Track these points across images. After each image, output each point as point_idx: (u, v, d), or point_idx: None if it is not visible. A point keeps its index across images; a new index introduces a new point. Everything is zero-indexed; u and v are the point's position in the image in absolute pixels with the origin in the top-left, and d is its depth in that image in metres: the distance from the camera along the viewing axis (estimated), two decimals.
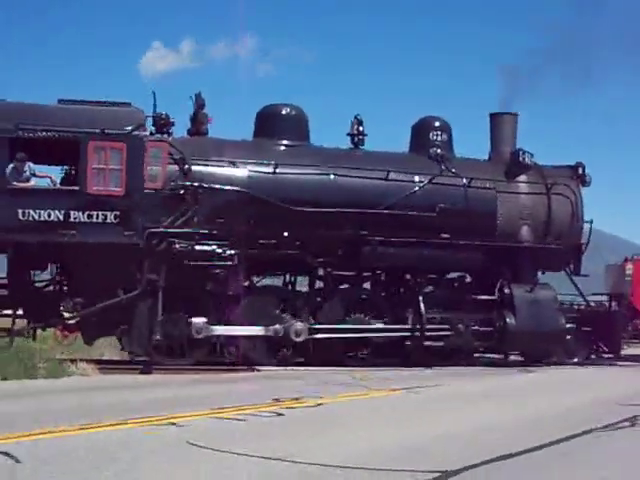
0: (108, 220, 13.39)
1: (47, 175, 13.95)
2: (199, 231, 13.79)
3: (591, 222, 16.33)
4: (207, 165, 14.18)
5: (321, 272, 14.97)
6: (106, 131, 13.33)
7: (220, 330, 13.81)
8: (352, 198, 14.61)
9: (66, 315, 13.53)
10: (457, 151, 16.12)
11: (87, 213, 13.29)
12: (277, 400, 9.29)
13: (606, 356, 16.31)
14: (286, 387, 10.97)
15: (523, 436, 7.13)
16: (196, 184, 13.89)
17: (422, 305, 14.65)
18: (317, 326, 14.14)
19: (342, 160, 15.01)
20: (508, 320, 14.98)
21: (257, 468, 5.64)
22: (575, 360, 15.79)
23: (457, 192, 15.25)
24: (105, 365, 13.39)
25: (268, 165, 14.40)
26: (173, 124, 15.20)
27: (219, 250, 13.85)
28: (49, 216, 13.12)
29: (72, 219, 13.23)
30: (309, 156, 14.90)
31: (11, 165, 13.22)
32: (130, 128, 13.45)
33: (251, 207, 14.13)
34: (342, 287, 15.26)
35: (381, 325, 14.48)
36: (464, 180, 15.29)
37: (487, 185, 15.48)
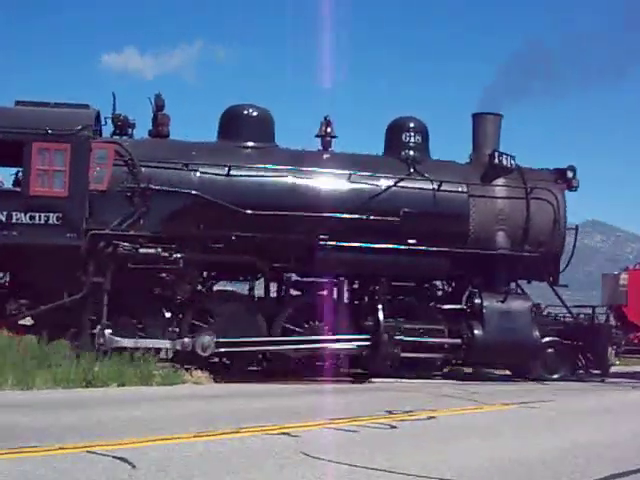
0: (50, 222, 13.47)
1: None
2: (143, 234, 13.79)
3: (576, 228, 15.58)
4: (158, 167, 14.10)
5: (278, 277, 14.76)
6: (50, 132, 13.52)
7: (126, 342, 13.55)
8: (311, 201, 14.30)
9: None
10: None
11: (29, 214, 13.39)
12: (390, 412, 9.41)
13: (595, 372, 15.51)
14: (397, 399, 11.22)
15: None
16: (143, 186, 13.89)
17: (380, 314, 14.23)
18: (223, 340, 13.79)
19: (304, 162, 14.70)
20: (476, 331, 14.37)
21: None
22: (555, 377, 15.02)
23: (425, 196, 14.74)
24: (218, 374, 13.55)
25: (222, 167, 14.24)
26: (133, 125, 15.39)
27: (165, 254, 13.80)
28: None
29: (14, 220, 13.37)
30: (269, 158, 14.68)
31: None
32: (75, 129, 13.62)
33: (201, 210, 13.98)
34: (298, 295, 15.00)
35: (302, 338, 14.07)
36: (434, 183, 14.81)
37: (459, 189, 14.95)
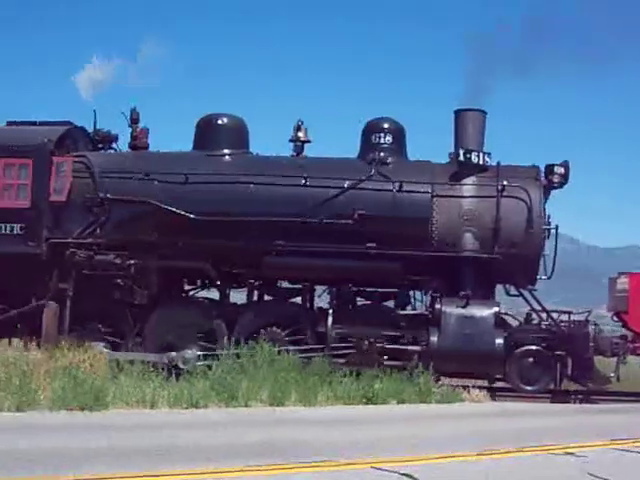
0: (14, 231, 15.05)
1: None
2: (98, 241, 15.01)
3: (556, 228, 14.95)
4: (120, 178, 15.30)
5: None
6: (14, 148, 15.14)
7: (117, 355, 14.59)
8: (266, 207, 14.86)
9: None
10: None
11: None
12: None
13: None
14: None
15: None
16: (102, 196, 15.13)
17: (330, 320, 14.47)
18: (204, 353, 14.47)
19: (263, 168, 15.31)
20: (432, 338, 14.20)
21: None
22: (531, 388, 14.43)
23: (384, 198, 14.81)
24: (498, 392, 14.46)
25: (180, 176, 15.19)
26: (116, 138, 16.77)
27: (117, 260, 14.92)
28: None
29: None
30: (231, 166, 15.43)
31: None
32: (35, 145, 15.16)
33: (156, 218, 14.97)
34: (264, 300, 15.54)
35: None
36: (394, 185, 14.87)
37: (421, 189, 14.88)
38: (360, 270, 14.68)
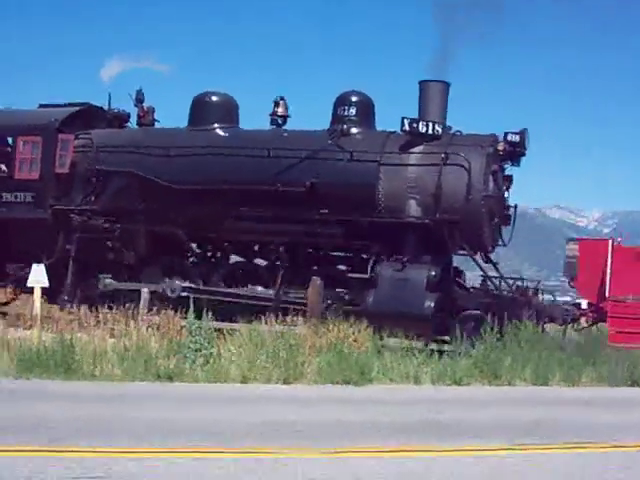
0: (27, 200, 18.22)
1: None
2: (92, 208, 17.81)
3: (515, 207, 15.92)
4: (114, 152, 18.02)
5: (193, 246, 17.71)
6: (28, 127, 18.27)
7: (122, 285, 17.45)
8: (233, 176, 16.99)
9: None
10: None
11: (13, 194, 18.32)
12: None
13: None
14: None
15: None
16: (98, 167, 17.91)
17: (279, 279, 16.42)
18: (189, 285, 16.98)
19: (239, 141, 17.40)
20: (368, 298, 15.74)
21: None
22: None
23: (334, 167, 16.46)
24: None
25: (162, 149, 17.65)
26: (128, 118, 19.55)
27: (106, 225, 17.67)
28: None
29: (3, 199, 18.42)
30: (208, 140, 17.63)
31: None
32: (44, 124, 18.20)
33: (140, 187, 17.53)
34: (235, 260, 17.74)
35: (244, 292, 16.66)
36: (345, 154, 16.48)
37: (370, 158, 16.38)
38: (307, 234, 16.50)
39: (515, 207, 17.36)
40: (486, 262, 17.22)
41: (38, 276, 15.06)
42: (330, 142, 16.77)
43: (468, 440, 7.99)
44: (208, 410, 9.43)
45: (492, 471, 6.89)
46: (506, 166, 17.12)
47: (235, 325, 14.49)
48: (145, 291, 16.08)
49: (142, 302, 15.69)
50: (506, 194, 16.87)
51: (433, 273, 15.74)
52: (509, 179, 17.32)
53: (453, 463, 7.09)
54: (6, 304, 19.47)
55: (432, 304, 15.48)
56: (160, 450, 6.91)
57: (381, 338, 14.36)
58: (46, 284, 15.05)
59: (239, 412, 9.29)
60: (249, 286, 17.00)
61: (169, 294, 17.04)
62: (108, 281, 17.72)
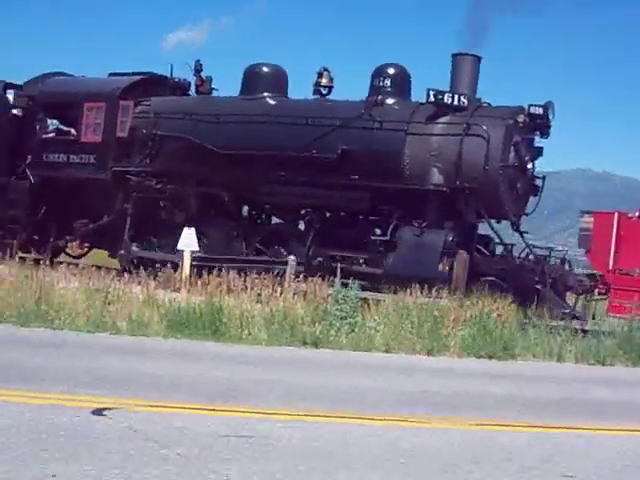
0: (90, 161, 20.24)
1: (69, 129, 21.32)
2: (146, 169, 19.63)
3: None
4: (169, 118, 19.76)
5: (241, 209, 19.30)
6: (93, 94, 20.25)
7: (143, 253, 19.24)
8: (272, 143, 18.41)
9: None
10: None
11: (79, 156, 20.36)
12: None
13: None
14: None
15: None
16: (154, 132, 19.68)
17: (309, 241, 17.79)
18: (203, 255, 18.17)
19: (282, 109, 18.83)
20: (386, 261, 16.94)
21: None
22: None
23: (363, 135, 17.65)
24: None
25: (211, 116, 19.27)
26: (188, 86, 21.28)
27: (158, 186, 19.46)
28: (58, 158, 20.63)
29: (71, 161, 20.50)
30: (257, 107, 19.14)
31: (40, 121, 21.09)
32: (108, 91, 20.13)
33: (191, 151, 19.20)
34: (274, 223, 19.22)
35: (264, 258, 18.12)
36: (375, 124, 17.64)
37: (397, 127, 17.48)
38: (337, 198, 17.82)
39: (543, 178, 18.17)
40: (515, 230, 18.14)
41: (188, 240, 16.55)
42: (363, 112, 17.98)
43: (604, 419, 8.24)
44: (353, 377, 9.81)
45: None
46: (535, 137, 17.99)
47: (380, 295, 15.11)
48: (292, 258, 16.50)
49: (288, 269, 16.04)
50: (530, 165, 17.61)
51: (450, 238, 16.80)
52: (538, 150, 18.15)
53: (611, 440, 7.32)
54: (77, 257, 21.74)
55: (447, 267, 16.56)
56: (303, 413, 7.11)
57: (525, 315, 14.55)
58: (196, 248, 16.47)
59: (384, 380, 9.66)
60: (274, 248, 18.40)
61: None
62: (134, 249, 19.52)
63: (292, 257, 16.40)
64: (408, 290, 13.96)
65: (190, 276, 15.27)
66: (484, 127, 16.90)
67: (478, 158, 16.90)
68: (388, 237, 17.24)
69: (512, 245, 17.73)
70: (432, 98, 17.26)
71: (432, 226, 16.97)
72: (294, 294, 13.54)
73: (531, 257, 17.32)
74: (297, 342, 11.89)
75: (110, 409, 6.55)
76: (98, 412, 6.43)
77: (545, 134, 17.89)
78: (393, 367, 10.93)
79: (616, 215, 16.60)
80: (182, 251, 16.62)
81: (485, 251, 17.62)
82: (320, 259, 17.68)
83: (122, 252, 19.80)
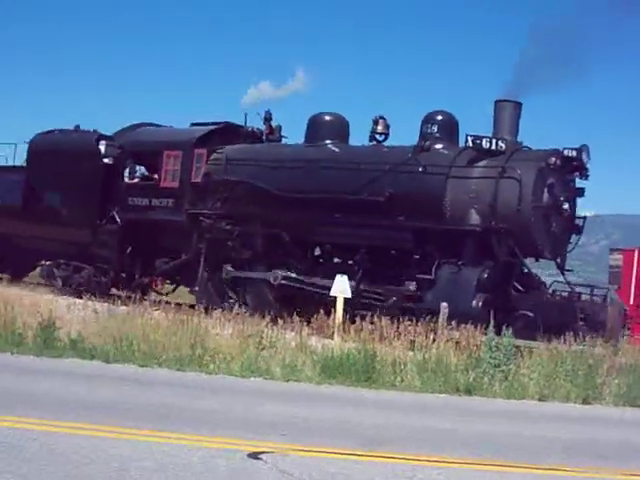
0: (169, 205, 22.54)
1: (152, 175, 23.69)
2: (217, 212, 21.71)
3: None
4: (239, 164, 21.86)
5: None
6: (172, 143, 22.60)
7: (235, 272, 21.45)
8: (328, 187, 20.15)
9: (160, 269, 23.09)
10: None
11: (160, 200, 22.71)
12: None
13: None
14: None
15: None
16: (225, 178, 21.79)
17: (358, 278, 19.37)
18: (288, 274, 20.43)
19: (337, 156, 20.62)
20: (427, 296, 18.32)
21: None
22: None
23: (410, 179, 19.12)
24: None
25: (276, 162, 21.24)
26: (261, 135, 23.38)
27: (228, 227, 21.51)
28: (141, 202, 23.04)
29: (152, 204, 22.87)
30: (317, 154, 20.97)
31: (127, 169, 23.58)
32: (184, 140, 22.44)
33: (255, 195, 21.23)
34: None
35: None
36: (420, 168, 19.14)
37: (439, 172, 18.91)
38: (385, 239, 19.37)
39: (584, 218, 19.22)
40: (558, 268, 19.26)
41: (341, 286, 17.18)
42: (410, 156, 19.56)
43: None
44: (509, 425, 10.05)
45: None
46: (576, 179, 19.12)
47: (533, 343, 15.60)
48: (444, 305, 16.74)
49: (441, 317, 16.36)
50: (566, 205, 18.65)
51: (485, 275, 18.09)
52: (579, 191, 19.24)
53: None
54: (160, 293, 24.12)
55: (480, 303, 17.83)
56: (459, 461, 7.34)
57: None
58: (349, 295, 16.98)
59: (538, 428, 9.85)
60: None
61: (272, 281, 20.64)
62: (229, 269, 21.65)
63: (444, 304, 16.79)
64: (562, 338, 14.56)
65: (343, 322, 15.98)
66: (518, 170, 18.17)
67: (512, 199, 18.17)
68: (432, 276, 18.66)
69: (551, 282, 18.82)
70: (470, 143, 18.69)
71: (469, 264, 18.31)
72: (447, 341, 14.01)
73: (564, 294, 18.38)
74: (450, 389, 12.29)
75: (265, 452, 6.93)
76: (254, 455, 6.83)
77: (583, 176, 18.99)
78: (548, 415, 11.14)
79: (637, 251, 17.50)
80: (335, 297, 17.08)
81: (520, 287, 18.76)
82: (368, 295, 19.28)
83: (197, 288, 21.98)
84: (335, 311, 16.39)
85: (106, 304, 16.76)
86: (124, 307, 15.95)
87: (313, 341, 14.18)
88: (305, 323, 15.24)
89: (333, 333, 15.47)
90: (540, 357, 13.47)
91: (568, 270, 19.62)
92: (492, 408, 11.47)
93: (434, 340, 13.79)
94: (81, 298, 19.28)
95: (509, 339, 13.51)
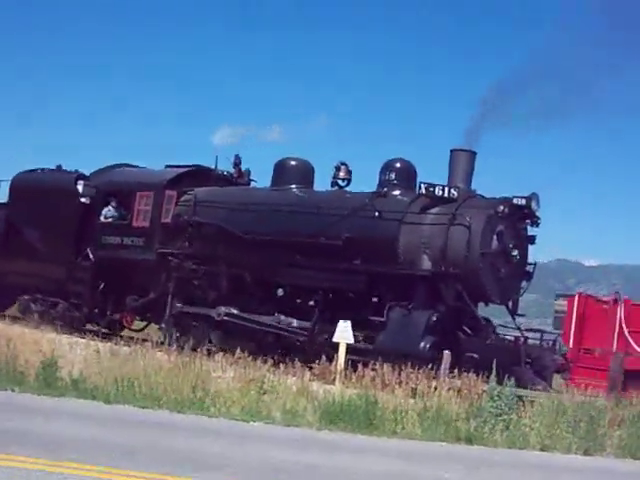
0: (140, 244, 23.40)
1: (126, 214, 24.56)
2: (185, 252, 22.55)
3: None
4: (207, 206, 22.73)
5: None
6: (144, 185, 23.51)
7: (186, 308, 22.24)
8: (289, 229, 20.98)
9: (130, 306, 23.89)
10: None
11: (131, 239, 23.58)
12: None
13: None
14: None
15: None
16: (194, 219, 22.64)
17: (315, 319, 20.10)
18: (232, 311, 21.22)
19: (297, 200, 21.44)
20: (378, 338, 19.01)
21: None
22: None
23: (365, 224, 19.95)
24: None
25: (242, 205, 22.08)
26: (231, 178, 24.27)
27: (194, 267, 22.32)
28: (114, 240, 23.91)
29: (124, 243, 23.75)
30: (275, 198, 21.82)
31: (105, 209, 24.48)
32: (155, 182, 23.35)
33: (220, 236, 22.06)
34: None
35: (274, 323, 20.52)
36: (375, 213, 19.94)
37: (393, 217, 19.69)
38: (341, 282, 20.13)
39: (534, 264, 19.95)
40: (509, 312, 19.97)
41: (344, 332, 17.52)
42: (367, 202, 20.38)
43: None
44: (510, 476, 10.35)
45: None
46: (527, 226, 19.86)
47: (535, 393, 15.86)
48: (447, 353, 17.10)
49: (443, 365, 16.67)
50: (515, 252, 19.36)
51: (434, 318, 18.78)
52: (530, 239, 19.99)
53: None
54: (136, 330, 24.90)
55: (428, 344, 18.50)
56: None
57: None
58: (351, 340, 17.29)
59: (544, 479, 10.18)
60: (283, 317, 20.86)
61: (215, 317, 21.38)
62: (177, 305, 22.46)
63: (447, 352, 17.10)
64: (565, 389, 15.08)
65: (345, 369, 16.23)
66: (467, 217, 18.93)
67: (461, 245, 18.90)
68: (384, 318, 19.38)
69: (497, 326, 19.53)
70: (423, 190, 19.50)
71: (419, 307, 19.02)
72: (449, 389, 14.19)
73: (510, 337, 19.07)
74: (451, 438, 12.47)
75: None
76: None
77: (534, 223, 19.73)
78: (551, 466, 11.33)
79: (576, 297, 18.26)
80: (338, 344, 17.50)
81: (468, 331, 19.44)
82: (325, 336, 19.99)
83: (163, 325, 22.77)
84: (337, 357, 16.67)
85: (108, 344, 17.13)
86: (126, 347, 16.23)
87: (314, 386, 14.37)
88: (307, 368, 15.50)
89: (334, 379, 15.70)
90: (541, 407, 13.61)
91: (520, 315, 20.31)
92: (493, 457, 11.56)
93: (435, 388, 13.95)
94: (83, 337, 19.72)
95: (511, 388, 13.65)
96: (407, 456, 10.72)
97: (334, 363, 16.79)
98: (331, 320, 20.25)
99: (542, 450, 12.36)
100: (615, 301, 18.47)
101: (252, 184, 24.38)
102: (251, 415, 12.45)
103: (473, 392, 13.97)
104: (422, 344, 18.56)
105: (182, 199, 23.33)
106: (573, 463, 11.67)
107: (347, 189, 21.95)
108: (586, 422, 12.82)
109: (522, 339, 19.11)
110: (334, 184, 21.88)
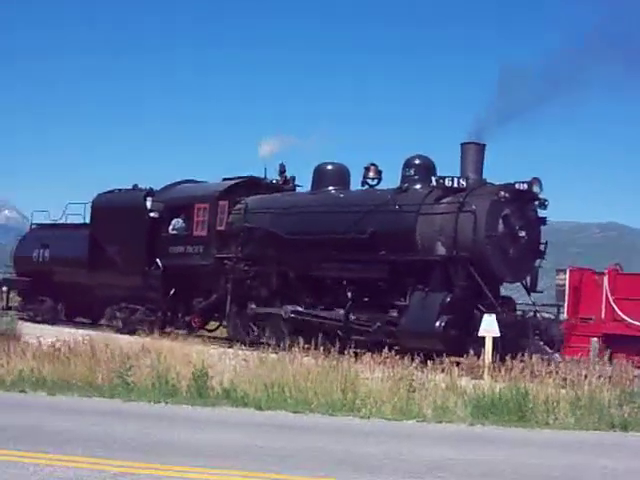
0: (200, 251, 26.41)
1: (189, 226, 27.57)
2: (238, 256, 25.35)
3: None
4: (256, 213, 25.52)
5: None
6: (201, 197, 26.54)
7: (255, 309, 24.98)
8: (324, 228, 23.51)
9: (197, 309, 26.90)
10: None
11: (193, 247, 26.63)
12: None
13: None
14: None
15: None
16: (245, 225, 25.42)
17: (347, 307, 22.52)
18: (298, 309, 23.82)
19: (331, 201, 23.96)
20: (401, 320, 21.26)
21: None
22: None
23: (387, 217, 22.28)
24: None
25: (284, 209, 24.76)
26: (280, 186, 27.02)
27: (245, 268, 25.11)
28: (178, 250, 27.01)
29: (187, 251, 26.80)
30: (319, 201, 24.37)
31: (174, 220, 27.60)
32: (210, 194, 26.34)
33: (268, 239, 24.78)
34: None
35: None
36: (396, 207, 22.22)
37: (411, 209, 21.92)
38: (366, 271, 22.51)
39: (546, 243, 21.74)
40: (526, 289, 21.91)
41: (489, 326, 17.94)
42: (389, 198, 22.73)
43: None
44: None
45: None
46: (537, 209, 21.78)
47: None
48: (595, 340, 17.89)
49: (592, 352, 17.23)
50: (522, 232, 21.26)
51: (448, 299, 20.92)
52: (541, 220, 21.88)
53: None
54: (208, 330, 27.95)
55: (442, 323, 20.65)
56: None
57: None
58: (497, 334, 17.64)
59: None
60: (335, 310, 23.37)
61: (284, 315, 24.07)
62: (252, 307, 25.25)
63: (595, 339, 18.25)
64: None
65: (493, 362, 16.54)
66: (473, 204, 21.04)
67: (469, 230, 21.03)
68: (407, 302, 21.66)
69: (533, 304, 21.55)
70: (434, 183, 21.72)
71: (435, 290, 21.22)
72: (599, 377, 14.08)
73: (519, 312, 21.04)
74: (605, 426, 12.39)
75: None
76: None
77: (542, 205, 21.63)
78: None
79: (567, 270, 20.06)
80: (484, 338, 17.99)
81: (484, 310, 21.43)
82: (356, 322, 22.45)
83: (225, 323, 25.71)
84: (485, 351, 17.17)
85: (256, 352, 17.88)
86: (274, 354, 16.93)
87: (463, 382, 14.57)
88: (455, 364, 15.86)
89: (483, 373, 15.95)
90: None
91: (538, 292, 22.20)
92: None
93: (586, 376, 14.12)
94: (231, 347, 20.46)
95: None
96: (561, 446, 10.79)
97: (481, 357, 17.16)
98: (361, 308, 22.74)
99: None
100: (610, 273, 20.12)
101: (297, 189, 27.05)
102: (402, 414, 12.64)
103: (624, 378, 13.98)
104: (437, 323, 20.75)
105: (235, 208, 26.23)
106: None
107: (377, 187, 24.33)
108: None
109: (531, 313, 21.01)
110: (364, 183, 24.29)
